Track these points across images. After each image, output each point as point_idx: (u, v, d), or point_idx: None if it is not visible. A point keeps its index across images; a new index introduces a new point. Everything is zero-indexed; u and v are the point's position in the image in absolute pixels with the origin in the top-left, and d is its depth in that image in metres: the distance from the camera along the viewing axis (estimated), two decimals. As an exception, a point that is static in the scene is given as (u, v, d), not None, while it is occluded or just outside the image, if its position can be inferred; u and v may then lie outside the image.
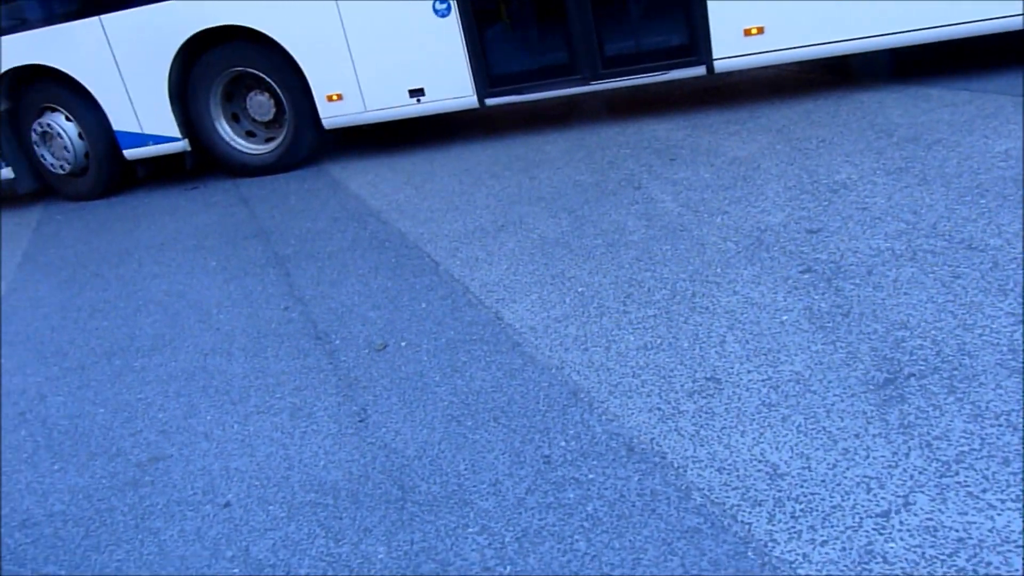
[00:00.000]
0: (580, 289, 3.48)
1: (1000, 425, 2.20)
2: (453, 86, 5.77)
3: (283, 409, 3.10)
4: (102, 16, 6.15)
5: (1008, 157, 3.83)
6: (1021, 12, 4.72)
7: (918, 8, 4.87)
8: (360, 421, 2.91)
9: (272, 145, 6.43)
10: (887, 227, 3.42)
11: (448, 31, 5.60)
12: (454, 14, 5.54)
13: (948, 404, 2.31)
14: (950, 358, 2.51)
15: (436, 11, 5.56)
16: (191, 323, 4.04)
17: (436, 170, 5.60)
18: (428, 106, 5.88)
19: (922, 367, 2.50)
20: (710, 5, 5.13)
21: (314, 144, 6.35)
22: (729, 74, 5.68)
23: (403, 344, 3.37)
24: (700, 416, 2.51)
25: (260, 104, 6.33)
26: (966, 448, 2.14)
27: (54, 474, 3.02)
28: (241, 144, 6.48)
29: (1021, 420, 2.19)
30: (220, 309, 4.13)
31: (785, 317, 2.93)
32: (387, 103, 5.93)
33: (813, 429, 2.34)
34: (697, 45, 5.28)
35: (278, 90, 6.14)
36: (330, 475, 2.64)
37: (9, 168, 6.96)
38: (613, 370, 2.85)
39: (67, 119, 6.66)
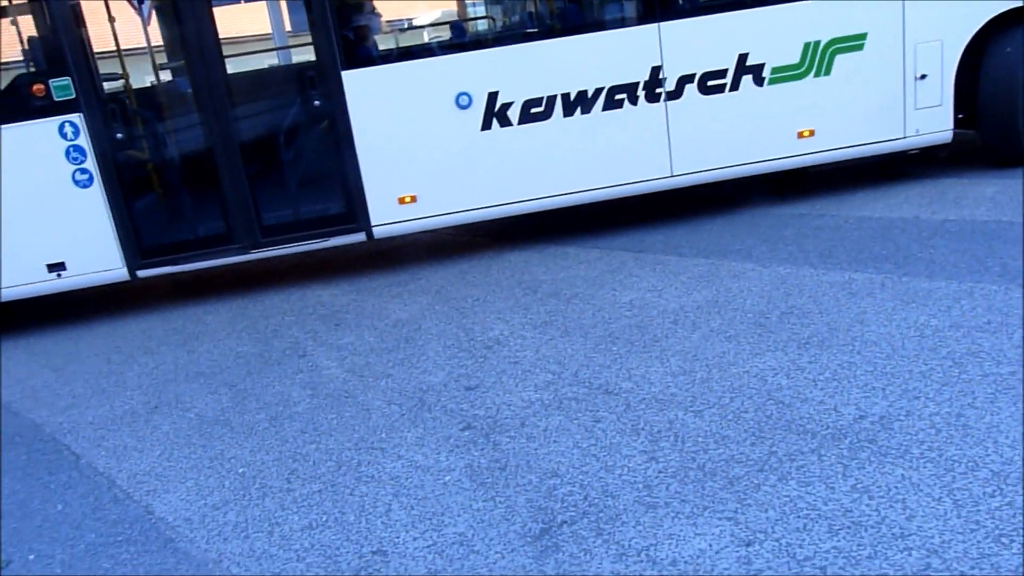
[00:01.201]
0: (241, 470, 3.29)
1: (642, 561, 2.36)
2: (99, 259, 5.38)
3: None
4: None
5: (632, 307, 4.33)
6: (669, 173, 5.48)
7: (554, 176, 5.48)
8: (-31, 662, 2.43)
9: None
10: (536, 379, 3.66)
11: (91, 202, 5.27)
12: (97, 185, 5.24)
13: (597, 547, 2.45)
14: (596, 501, 2.68)
15: (76, 182, 5.23)
16: None
17: (81, 350, 5.12)
18: (71, 281, 5.42)
19: (572, 513, 2.64)
20: (365, 175, 5.36)
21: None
22: (390, 238, 5.91)
23: (31, 558, 2.92)
24: (367, 595, 2.42)
25: None
26: (614, 589, 2.26)
27: None
28: None
29: (660, 555, 2.37)
30: None
31: (448, 477, 2.97)
32: (21, 280, 5.36)
33: (477, 592, 2.35)
34: (355, 213, 5.45)
35: None
36: None
37: None
38: (276, 556, 2.68)
39: None
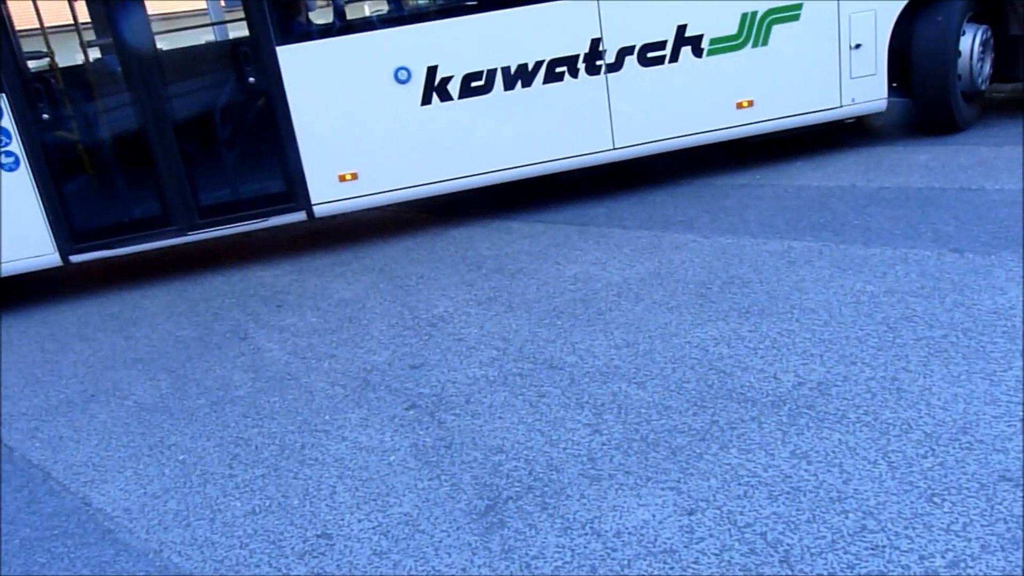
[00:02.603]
0: (182, 457, 3.23)
1: (586, 534, 2.37)
2: (30, 244, 5.21)
3: None
4: None
5: (576, 280, 4.33)
6: (611, 146, 5.48)
7: (497, 151, 5.45)
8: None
9: None
10: (481, 355, 3.65)
11: (18, 185, 5.09)
12: (23, 167, 5.06)
13: (542, 522, 2.46)
14: (541, 476, 2.69)
15: (2, 165, 5.04)
16: None
17: (13, 338, 4.96)
18: (0, 267, 5.24)
19: (517, 489, 2.64)
20: (303, 153, 5.27)
21: None
22: (332, 217, 5.82)
23: (-37, 555, 2.83)
24: (312, 579, 2.40)
25: None
26: (560, 562, 2.28)
27: None
28: None
29: (605, 527, 2.38)
30: None
31: (392, 457, 2.95)
32: (-54, 266, 5.19)
33: (423, 571, 2.34)
34: (295, 191, 5.36)
35: None
36: None
37: None
38: (219, 544, 2.64)
39: None
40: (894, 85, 5.75)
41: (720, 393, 3.00)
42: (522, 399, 3.21)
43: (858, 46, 5.56)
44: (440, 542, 2.45)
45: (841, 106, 5.70)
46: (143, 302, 5.21)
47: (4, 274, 5.30)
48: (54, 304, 5.51)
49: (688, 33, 5.41)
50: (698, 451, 2.68)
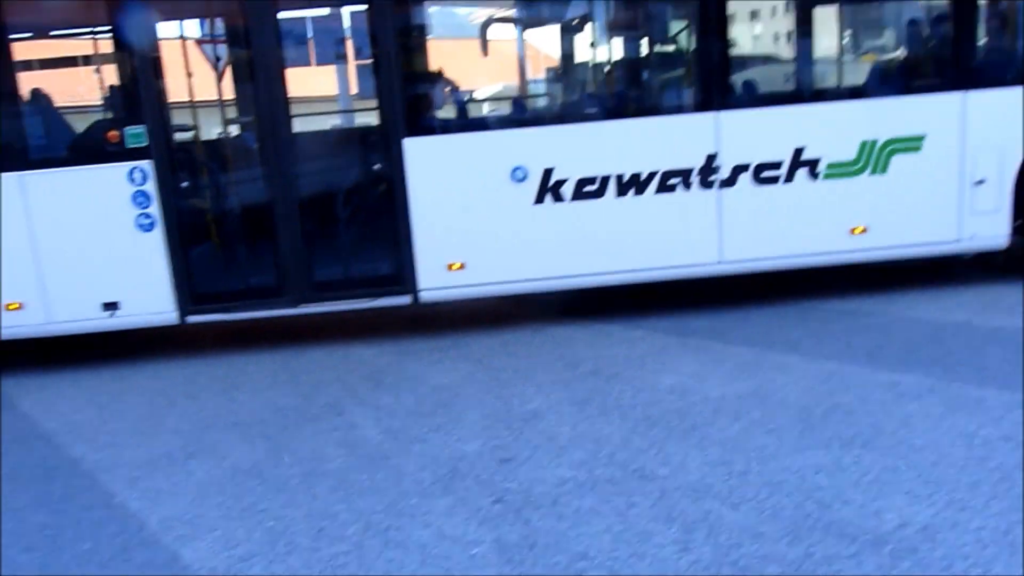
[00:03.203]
0: (270, 523, 3.29)
1: (668, 656, 2.29)
2: (153, 301, 5.51)
3: None
4: None
5: (673, 391, 4.29)
6: (717, 260, 5.49)
7: (603, 254, 5.52)
8: None
9: (-70, 355, 5.67)
10: (572, 456, 3.63)
11: (151, 246, 5.42)
12: (159, 230, 5.39)
13: (622, 637, 2.39)
14: (624, 588, 2.63)
15: (140, 225, 5.39)
16: None
17: (126, 389, 5.20)
18: (123, 320, 5.55)
19: (600, 599, 2.58)
20: (416, 240, 5.45)
21: (-17, 356, 5.69)
22: (436, 303, 5.96)
23: (56, 594, 2.94)
24: (385, 664, 2.38)
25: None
26: None
27: None
28: None
29: (685, 650, 2.30)
30: None
31: (476, 550, 2.94)
32: (76, 315, 5.51)
33: (497, 672, 2.30)
34: (404, 276, 5.53)
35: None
36: None
37: None
38: (297, 616, 2.66)
39: None
40: (1019, 223, 5.59)
41: (817, 525, 2.89)
42: (610, 506, 3.16)
43: (981, 182, 5.47)
44: (517, 644, 2.41)
45: (959, 240, 5.57)
46: (248, 367, 5.40)
47: (125, 327, 5.59)
48: (166, 360, 5.77)
49: (805, 156, 5.43)
50: (791, 583, 2.57)
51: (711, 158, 5.43)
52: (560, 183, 5.43)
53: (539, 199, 5.45)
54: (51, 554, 3.22)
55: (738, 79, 5.87)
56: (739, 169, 5.46)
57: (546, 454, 3.68)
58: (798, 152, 5.43)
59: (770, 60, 6.82)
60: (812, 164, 5.45)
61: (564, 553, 2.86)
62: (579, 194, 5.45)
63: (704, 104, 5.49)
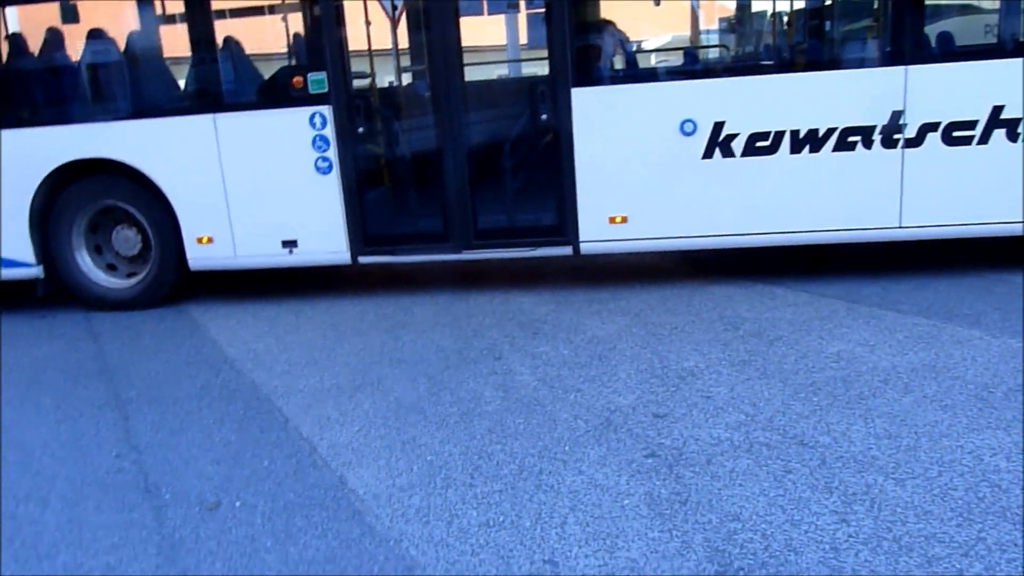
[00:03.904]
0: (429, 458, 3.44)
1: (819, 625, 2.25)
2: (327, 241, 5.81)
3: (95, 569, 2.85)
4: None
5: (839, 359, 4.12)
6: (897, 224, 5.22)
7: (773, 213, 5.33)
8: (178, 588, 2.71)
9: (133, 281, 6.23)
10: (728, 417, 3.57)
11: (327, 188, 5.70)
12: (335, 173, 5.66)
13: (772, 601, 2.36)
14: (777, 554, 2.58)
15: (318, 168, 5.67)
16: (8, 465, 3.73)
17: (301, 322, 5.54)
18: (300, 258, 5.89)
19: (751, 561, 2.55)
20: (579, 191, 5.45)
21: (178, 284, 6.19)
22: (596, 256, 5.97)
23: (238, 504, 3.20)
24: (534, 601, 2.46)
25: (126, 239, 6.17)
26: (786, 648, 2.18)
27: None
28: (100, 277, 6.25)
29: (838, 621, 2.25)
30: (45, 451, 3.84)
31: (627, 501, 2.97)
32: (258, 251, 5.90)
33: (643, 621, 2.33)
34: (566, 227, 5.56)
35: (147, 227, 6.03)
36: (134, 649, 2.42)
37: None
38: (452, 547, 2.79)
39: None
40: None
41: (992, 509, 2.73)
42: (766, 471, 3.10)
43: None
44: (664, 596, 2.43)
45: None
46: (413, 308, 5.62)
47: (302, 265, 5.94)
48: (338, 298, 6.09)
49: (1004, 115, 5.00)
50: (958, 566, 2.45)
51: (896, 115, 5.09)
52: (731, 138, 5.26)
53: (707, 154, 5.31)
54: (233, 468, 3.51)
55: (931, 31, 5.45)
56: (927, 128, 5.09)
57: (701, 413, 3.64)
58: (996, 111, 5.01)
59: (968, 9, 6.28)
60: (1012, 124, 5.01)
61: (716, 512, 2.84)
62: (750, 150, 5.27)
63: (892, 58, 5.14)
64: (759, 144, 5.26)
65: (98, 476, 3.55)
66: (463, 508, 3.03)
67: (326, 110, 5.60)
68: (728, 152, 5.28)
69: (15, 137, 5.91)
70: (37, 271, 6.20)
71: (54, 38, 6.25)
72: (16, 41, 6.30)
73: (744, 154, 5.27)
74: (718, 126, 5.26)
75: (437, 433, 3.67)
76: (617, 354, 4.44)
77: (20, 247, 6.12)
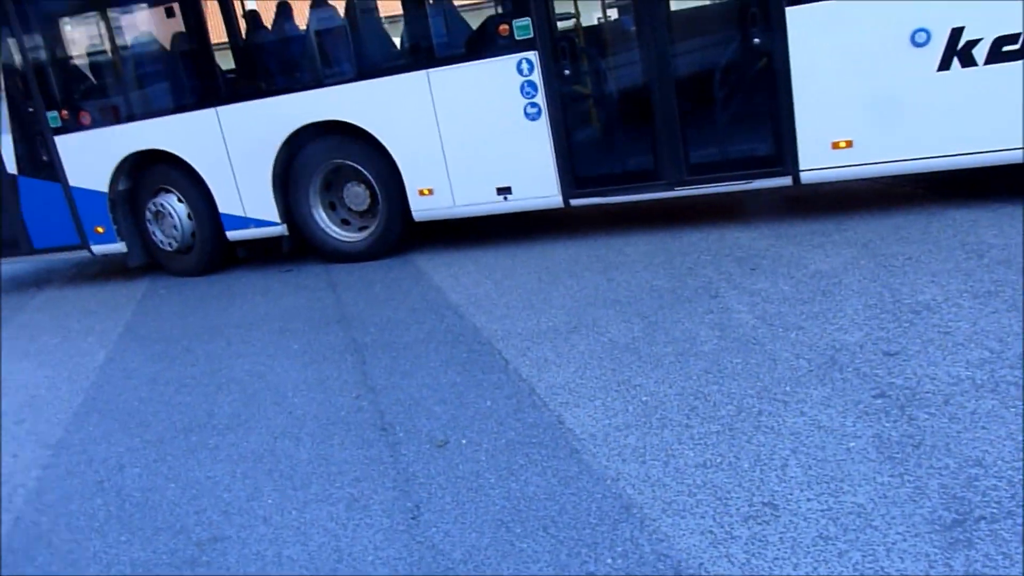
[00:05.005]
0: (645, 398, 3.45)
1: (1077, 582, 2.05)
2: (539, 186, 5.90)
3: (341, 499, 3.15)
4: (218, 108, 6.59)
5: (1107, 287, 3.66)
6: None
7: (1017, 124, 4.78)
8: (412, 518, 2.92)
9: (364, 234, 6.67)
10: (970, 354, 3.29)
11: (537, 133, 5.76)
12: (544, 118, 5.71)
13: (1018, 553, 2.18)
14: (1026, 502, 2.37)
15: (527, 114, 5.75)
16: (267, 405, 4.17)
17: (517, 266, 5.70)
18: (514, 204, 6.03)
19: (994, 510, 2.36)
20: (798, 117, 5.15)
21: (403, 235, 6.56)
22: (817, 185, 5.63)
23: (464, 442, 3.39)
24: (753, 544, 2.43)
25: (356, 195, 6.60)
26: (1036, 604, 2.01)
27: (120, 545, 3.12)
28: (335, 231, 6.75)
29: (1100, 578, 2.04)
30: (296, 393, 4.25)
31: (852, 444, 2.83)
32: (475, 199, 6.11)
33: (871, 569, 2.23)
34: (783, 156, 5.27)
35: (374, 182, 6.41)
36: (376, 571, 2.65)
37: (123, 242, 7.41)
38: (669, 487, 2.80)
39: (179, 200, 7.09)
40: None
41: None
42: (1014, 412, 2.83)
43: None
44: (893, 544, 2.31)
45: None
46: (626, 248, 5.60)
47: (515, 210, 6.08)
48: (551, 241, 6.19)
49: None
50: None
51: None
52: (972, 44, 4.72)
53: (944, 65, 4.80)
54: (459, 408, 3.71)
55: None
56: None
57: (939, 350, 3.37)
58: None
59: None
60: None
61: (954, 457, 2.64)
62: (996, 55, 4.70)
63: None
64: (1007, 48, 4.68)
65: (340, 415, 3.89)
66: (680, 448, 3.02)
67: (532, 55, 5.64)
68: (968, 61, 4.74)
69: (257, 108, 6.46)
70: (282, 229, 6.80)
71: (284, 10, 6.73)
72: (253, 17, 6.85)
73: (988, 61, 4.71)
74: (956, 33, 4.74)
75: (652, 373, 3.66)
76: (843, 289, 4.20)
77: (267, 209, 6.73)
